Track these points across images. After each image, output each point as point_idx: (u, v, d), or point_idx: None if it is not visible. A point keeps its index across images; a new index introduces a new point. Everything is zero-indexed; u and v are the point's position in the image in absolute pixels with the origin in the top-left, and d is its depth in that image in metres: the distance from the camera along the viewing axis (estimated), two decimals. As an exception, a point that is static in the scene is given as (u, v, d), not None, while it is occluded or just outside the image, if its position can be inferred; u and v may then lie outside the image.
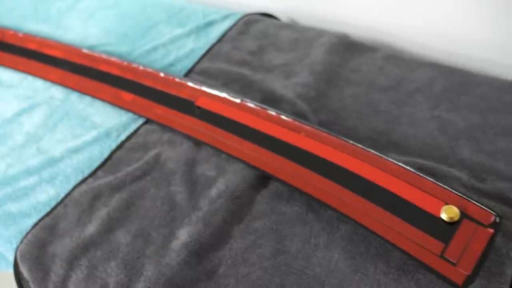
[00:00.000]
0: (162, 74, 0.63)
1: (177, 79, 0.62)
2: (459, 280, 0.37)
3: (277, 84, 0.62)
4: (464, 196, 0.39)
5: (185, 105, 0.59)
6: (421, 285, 0.41)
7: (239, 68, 0.67)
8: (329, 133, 0.49)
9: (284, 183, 0.48)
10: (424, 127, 0.54)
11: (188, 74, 0.68)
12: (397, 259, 0.42)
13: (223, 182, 0.50)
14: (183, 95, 0.60)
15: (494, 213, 0.38)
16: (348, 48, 0.68)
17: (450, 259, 0.38)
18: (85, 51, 0.73)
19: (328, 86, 0.62)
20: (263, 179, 0.51)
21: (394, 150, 0.53)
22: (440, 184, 0.41)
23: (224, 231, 0.47)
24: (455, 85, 0.59)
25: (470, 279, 0.37)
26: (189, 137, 0.56)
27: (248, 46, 0.71)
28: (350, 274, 0.42)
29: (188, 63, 0.71)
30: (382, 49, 0.68)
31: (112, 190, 0.52)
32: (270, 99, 0.60)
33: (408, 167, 0.43)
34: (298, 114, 0.57)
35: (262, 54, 0.69)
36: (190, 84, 0.61)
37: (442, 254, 0.38)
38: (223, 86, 0.64)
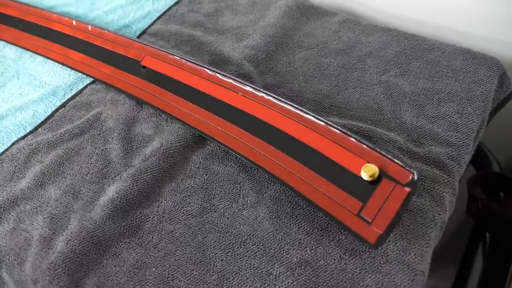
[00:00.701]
0: (111, 34, 0.62)
1: (124, 39, 0.60)
2: (372, 239, 0.37)
3: (227, 46, 0.61)
4: (386, 155, 0.39)
5: (131, 65, 0.58)
6: (342, 245, 0.40)
7: (192, 30, 0.65)
8: (265, 93, 0.48)
9: (218, 142, 0.48)
10: (370, 91, 0.53)
11: (141, 35, 0.67)
12: (321, 220, 0.42)
13: (159, 140, 0.49)
14: (130, 54, 0.59)
15: (412, 172, 0.37)
16: (304, 12, 0.66)
17: (366, 218, 0.37)
18: (40, 10, 0.71)
19: (279, 49, 0.60)
20: (200, 139, 0.50)
21: (337, 113, 0.52)
22: (365, 144, 0.40)
23: (154, 188, 0.46)
24: (407, 50, 0.58)
25: (383, 238, 0.37)
26: (132, 97, 0.55)
27: (205, 8, 0.69)
28: (272, 232, 0.42)
29: (143, 25, 0.69)
30: (340, 13, 0.66)
31: (49, 146, 0.51)
32: (218, 60, 0.59)
33: (336, 127, 0.42)
34: (244, 76, 0.56)
35: (218, 17, 0.67)
36: (137, 44, 0.59)
37: (359, 213, 0.38)
38: (174, 48, 0.63)
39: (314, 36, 0.62)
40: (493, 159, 0.61)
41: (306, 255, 0.40)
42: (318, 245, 0.41)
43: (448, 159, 0.46)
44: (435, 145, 0.47)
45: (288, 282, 0.39)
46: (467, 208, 0.55)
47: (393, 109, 0.51)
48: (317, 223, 0.42)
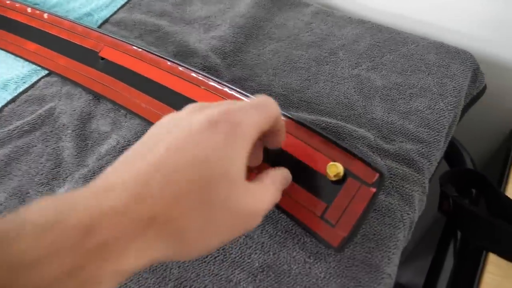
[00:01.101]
0: (68, 23, 0.58)
1: (83, 28, 0.56)
2: (335, 242, 0.35)
3: (193, 37, 0.58)
4: (352, 153, 0.36)
5: (89, 56, 0.54)
6: (307, 249, 0.38)
7: (158, 20, 0.61)
8: (229, 87, 0.45)
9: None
10: (341, 85, 0.51)
11: (103, 24, 0.63)
12: (286, 222, 0.40)
13: (116, 138, 0.46)
14: (88, 45, 0.55)
15: (378, 171, 0.35)
16: (276, 2, 0.63)
17: (329, 220, 0.35)
18: (-7, -3, 0.66)
19: (248, 40, 0.57)
20: (160, 136, 0.47)
21: (306, 108, 0.49)
22: (331, 141, 0.38)
23: (109, 189, 0.43)
24: (381, 43, 0.56)
25: (347, 241, 0.35)
26: (89, 91, 0.52)
27: (172, -4, 0.66)
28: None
29: (106, 13, 0.65)
30: (314, 4, 0.63)
31: (-4, 145, 0.47)
32: (183, 52, 0.56)
33: (301, 122, 0.39)
34: (210, 68, 0.53)
35: (186, 6, 0.64)
36: (95, 33, 0.55)
37: (322, 215, 0.36)
38: (138, 38, 0.59)
39: (285, 28, 0.59)
40: (466, 156, 0.60)
41: (269, 259, 0.38)
42: (282, 249, 0.38)
43: (419, 156, 0.44)
44: (405, 142, 0.45)
45: (249, 289, 0.36)
46: (439, 205, 0.53)
47: (364, 104, 0.49)
48: (281, 225, 0.40)
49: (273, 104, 0.29)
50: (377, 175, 0.35)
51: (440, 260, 0.53)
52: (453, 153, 0.60)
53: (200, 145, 0.24)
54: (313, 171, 0.37)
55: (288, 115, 0.41)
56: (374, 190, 0.35)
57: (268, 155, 0.37)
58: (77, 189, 0.22)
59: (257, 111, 0.27)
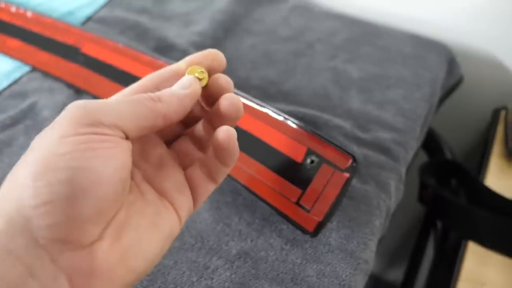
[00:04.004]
0: (51, 20, 0.58)
1: (64, 25, 0.57)
2: (310, 227, 0.35)
3: (173, 33, 0.58)
4: (325, 140, 0.37)
5: (70, 52, 0.54)
6: (284, 235, 0.39)
7: (138, 16, 0.62)
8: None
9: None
10: (318, 78, 0.52)
11: (85, 22, 0.63)
12: (264, 210, 0.40)
13: (95, 131, 0.46)
14: (70, 41, 0.55)
15: (351, 156, 0.36)
16: (256, -2, 0.64)
17: (304, 206, 0.36)
18: (-25, -4, 0.66)
19: (226, 35, 0.58)
20: (140, 129, 0.48)
21: (283, 99, 0.50)
22: (304, 128, 0.38)
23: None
24: (358, 36, 0.57)
25: (321, 225, 0.35)
26: (70, 85, 0.52)
27: (153, -6, 0.66)
28: (212, 224, 0.40)
29: (88, 12, 0.65)
30: (292, 0, 0.64)
31: (-24, 140, 0.47)
32: (163, 47, 0.56)
33: (277, 112, 0.40)
34: (190, 63, 0.53)
35: (165, 3, 0.65)
36: (77, 30, 0.56)
37: (298, 201, 0.36)
38: (119, 34, 0.60)
39: (263, 23, 0.60)
40: (445, 146, 0.61)
41: (246, 246, 0.38)
42: (259, 236, 0.39)
43: (395, 144, 0.45)
44: (381, 131, 0.46)
45: (226, 275, 0.37)
46: (418, 195, 0.54)
47: (340, 95, 0.50)
48: (258, 213, 0.40)
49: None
50: (351, 160, 0.36)
51: (421, 251, 0.54)
52: (432, 144, 0.61)
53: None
54: (288, 158, 0.38)
55: (263, 105, 0.41)
56: (347, 175, 0.35)
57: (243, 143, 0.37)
58: None
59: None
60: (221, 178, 0.26)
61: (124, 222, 0.21)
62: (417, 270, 0.52)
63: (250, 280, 0.36)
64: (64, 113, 0.21)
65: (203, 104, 0.26)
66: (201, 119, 0.27)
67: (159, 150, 0.26)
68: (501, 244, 0.45)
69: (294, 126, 0.39)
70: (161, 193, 0.24)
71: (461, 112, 0.65)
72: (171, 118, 0.22)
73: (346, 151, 0.36)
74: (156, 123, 0.22)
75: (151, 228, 0.22)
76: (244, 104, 0.43)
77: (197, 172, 0.26)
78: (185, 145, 0.27)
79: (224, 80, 0.25)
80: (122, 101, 0.22)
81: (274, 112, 0.40)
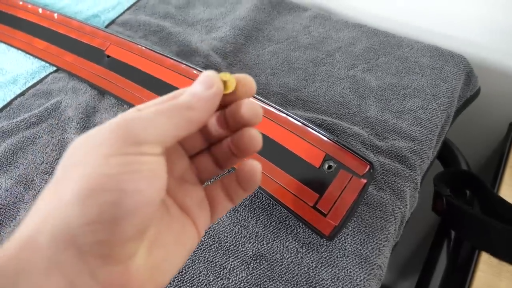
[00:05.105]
0: (76, 22, 0.60)
1: (90, 28, 0.59)
2: (326, 231, 0.36)
3: (196, 38, 0.60)
4: (344, 146, 0.38)
5: (95, 54, 0.56)
6: (299, 239, 0.39)
7: (162, 21, 0.64)
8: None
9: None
10: (337, 86, 0.53)
11: (109, 25, 0.65)
12: (280, 212, 0.41)
13: (118, 131, 0.48)
14: (95, 43, 0.57)
15: (369, 163, 0.36)
16: (276, 6, 0.65)
17: (321, 210, 0.37)
18: (5, -3, 0.69)
19: (248, 41, 0.59)
20: (161, 130, 0.49)
21: (302, 106, 0.51)
22: (323, 135, 0.39)
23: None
24: (376, 45, 0.57)
25: (338, 230, 0.36)
26: (94, 86, 0.54)
27: (176, 0, 0.68)
28: (229, 225, 0.41)
29: (112, 15, 0.67)
30: (312, 8, 0.65)
31: (3, 135, 0.49)
32: (186, 51, 0.58)
33: (296, 118, 0.41)
34: (211, 67, 0.55)
35: (189, 9, 0.66)
36: (102, 33, 0.58)
37: (315, 205, 0.37)
38: (142, 38, 0.61)
39: (284, 30, 0.61)
40: (461, 157, 0.61)
41: (262, 248, 0.39)
42: (275, 239, 0.40)
43: (411, 153, 0.45)
44: (398, 139, 0.47)
45: (242, 276, 0.37)
46: (432, 205, 0.54)
47: (358, 103, 0.50)
48: (275, 216, 0.41)
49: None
50: (368, 166, 0.36)
51: (434, 260, 0.54)
52: (448, 154, 0.61)
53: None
54: (307, 163, 0.39)
55: (283, 111, 0.42)
56: (365, 181, 0.36)
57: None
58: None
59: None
60: (239, 200, 0.26)
61: (155, 238, 0.22)
62: (429, 281, 0.51)
63: (266, 281, 0.37)
64: (108, 127, 0.20)
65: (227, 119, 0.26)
66: (221, 136, 0.26)
67: (183, 162, 0.25)
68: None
69: (312, 132, 0.40)
70: (183, 208, 0.24)
71: (478, 124, 0.65)
72: (203, 122, 0.23)
73: (363, 158, 0.37)
74: (190, 131, 0.22)
75: (177, 245, 0.23)
76: (264, 109, 0.44)
77: (218, 191, 0.26)
78: (205, 161, 0.27)
79: (249, 107, 0.24)
80: (160, 113, 0.21)
81: (294, 118, 0.41)
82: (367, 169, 0.36)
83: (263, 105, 0.44)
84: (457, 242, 0.52)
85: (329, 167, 0.38)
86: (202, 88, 0.23)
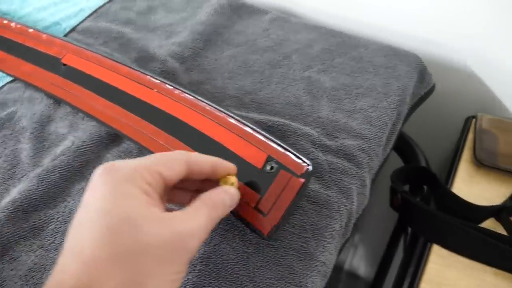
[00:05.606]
0: (33, 31, 0.60)
1: (47, 36, 0.59)
2: (266, 230, 0.37)
3: (154, 43, 0.60)
4: (284, 148, 0.39)
5: (52, 63, 0.56)
6: (246, 240, 0.40)
7: (122, 27, 0.64)
8: (182, 90, 0.48)
9: (131, 140, 0.47)
10: (291, 87, 0.53)
11: (69, 33, 0.65)
12: (229, 216, 0.42)
13: (71, 139, 0.48)
14: (51, 52, 0.57)
15: (307, 163, 0.37)
16: (237, 10, 0.66)
17: (262, 210, 0.37)
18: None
19: (206, 46, 0.60)
20: (115, 137, 0.49)
21: (257, 109, 0.51)
22: (266, 137, 0.40)
23: (62, 188, 0.45)
24: (333, 46, 0.58)
25: (276, 229, 0.36)
26: (50, 95, 0.54)
27: (138, 6, 0.68)
28: (178, 228, 0.41)
29: (73, 22, 0.68)
30: (272, 11, 0.66)
31: (-43, 147, 0.49)
32: (144, 57, 0.58)
33: (237, 119, 0.42)
34: (168, 72, 0.55)
35: (150, 15, 0.67)
36: (59, 41, 0.58)
37: (256, 205, 0.38)
38: (102, 45, 0.62)
39: (244, 34, 0.62)
40: (420, 154, 0.62)
41: (209, 250, 0.39)
42: (222, 240, 0.40)
43: (359, 151, 0.46)
44: (348, 138, 0.47)
45: (188, 278, 0.38)
46: (390, 201, 0.55)
47: (311, 103, 0.51)
48: (225, 219, 0.42)
49: (177, 159, 0.32)
50: (306, 166, 0.37)
51: (391, 254, 0.55)
52: (407, 151, 0.62)
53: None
54: (249, 164, 0.39)
55: (226, 112, 0.43)
56: (303, 180, 0.37)
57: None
58: None
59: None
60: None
61: None
62: (385, 274, 0.53)
63: (211, 283, 0.37)
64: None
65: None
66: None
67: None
68: (464, 247, 0.46)
69: (255, 133, 0.41)
70: None
71: (436, 119, 0.66)
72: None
73: (302, 158, 0.38)
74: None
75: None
76: (207, 110, 0.44)
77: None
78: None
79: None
80: (208, 222, 0.30)
81: (237, 120, 0.42)
82: (305, 169, 0.37)
83: (206, 106, 0.44)
84: (413, 237, 0.53)
85: (271, 168, 0.38)
86: (230, 200, 0.34)
